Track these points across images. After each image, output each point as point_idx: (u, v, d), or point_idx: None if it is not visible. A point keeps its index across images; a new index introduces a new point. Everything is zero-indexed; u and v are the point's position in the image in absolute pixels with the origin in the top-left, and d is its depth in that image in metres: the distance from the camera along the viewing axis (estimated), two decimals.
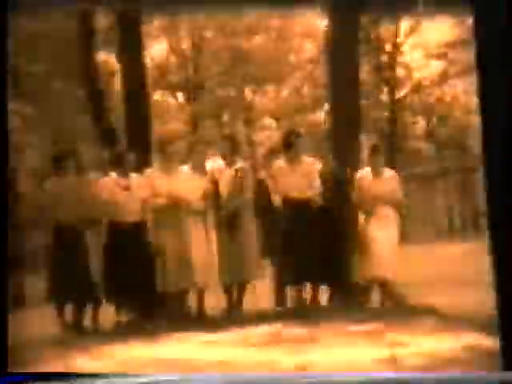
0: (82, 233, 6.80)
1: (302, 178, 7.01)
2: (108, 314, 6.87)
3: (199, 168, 7.14)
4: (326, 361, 5.01)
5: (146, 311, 6.78)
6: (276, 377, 4.90)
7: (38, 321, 6.94)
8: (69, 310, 6.83)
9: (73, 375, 5.07)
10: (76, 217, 6.74)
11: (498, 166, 5.11)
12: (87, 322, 6.83)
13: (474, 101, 5.93)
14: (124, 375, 5.05)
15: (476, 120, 5.49)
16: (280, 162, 7.14)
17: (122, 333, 6.47)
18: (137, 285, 6.64)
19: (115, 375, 5.06)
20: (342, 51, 8.75)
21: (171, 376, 4.97)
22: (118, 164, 6.89)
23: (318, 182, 7.06)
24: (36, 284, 7.39)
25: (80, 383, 5.01)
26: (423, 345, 5.25)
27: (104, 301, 6.82)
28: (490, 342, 5.12)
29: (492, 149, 5.15)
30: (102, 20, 12.16)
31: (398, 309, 6.80)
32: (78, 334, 6.62)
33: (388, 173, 7.30)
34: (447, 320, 6.12)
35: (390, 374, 4.74)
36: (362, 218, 7.22)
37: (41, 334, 6.51)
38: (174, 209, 6.84)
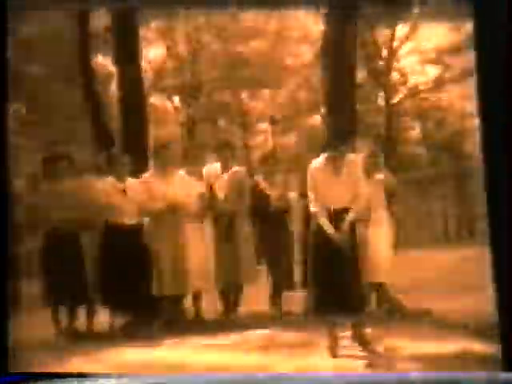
0: (78, 236, 6.78)
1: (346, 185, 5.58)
2: (103, 317, 6.85)
3: (195, 172, 7.14)
4: (322, 365, 5.02)
5: (141, 314, 6.76)
6: (271, 377, 4.89)
7: (32, 324, 6.90)
8: (64, 312, 6.81)
9: (72, 375, 5.06)
10: (71, 220, 6.72)
11: (497, 169, 5.11)
12: (82, 325, 6.81)
13: (469, 106, 5.91)
14: (123, 375, 5.03)
15: (472, 125, 5.50)
16: (321, 164, 5.60)
17: (117, 336, 6.46)
18: (133, 288, 6.62)
19: (114, 375, 5.04)
20: (339, 56, 8.77)
21: (168, 377, 4.97)
22: (114, 167, 6.89)
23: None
24: (31, 287, 7.36)
25: (79, 383, 5.00)
26: (420, 349, 5.26)
27: (99, 304, 6.79)
28: (483, 347, 5.12)
29: (492, 151, 5.14)
30: (99, 22, 12.14)
31: (394, 313, 6.79)
32: (73, 337, 6.60)
33: (380, 176, 7.23)
34: (442, 325, 6.12)
35: (389, 374, 4.74)
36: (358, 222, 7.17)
37: (35, 336, 6.47)
38: (171, 213, 6.82)
